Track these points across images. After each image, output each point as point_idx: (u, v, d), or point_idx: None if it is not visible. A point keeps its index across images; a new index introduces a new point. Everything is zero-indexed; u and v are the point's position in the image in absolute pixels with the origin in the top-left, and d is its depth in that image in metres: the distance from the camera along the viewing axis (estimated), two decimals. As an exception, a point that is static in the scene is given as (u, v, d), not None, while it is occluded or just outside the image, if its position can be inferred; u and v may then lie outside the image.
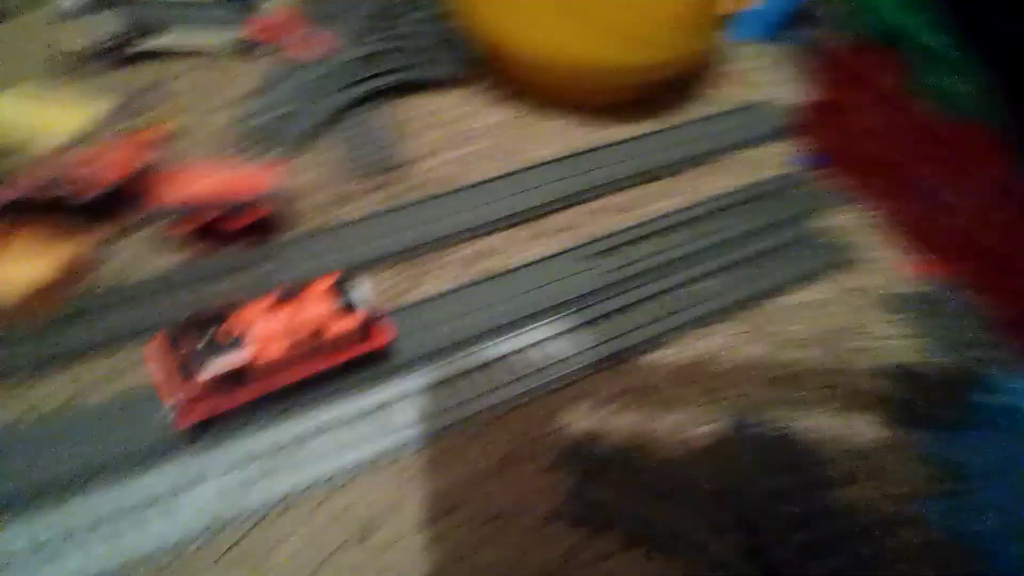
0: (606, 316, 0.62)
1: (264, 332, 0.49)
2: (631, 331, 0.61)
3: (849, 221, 0.74)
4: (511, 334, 0.60)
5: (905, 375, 0.58)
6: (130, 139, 0.71)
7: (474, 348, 0.58)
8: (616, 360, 0.59)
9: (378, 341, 0.55)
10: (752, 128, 0.83)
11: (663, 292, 0.64)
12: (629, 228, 0.70)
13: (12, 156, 0.64)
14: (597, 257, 0.67)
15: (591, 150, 0.78)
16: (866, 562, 0.47)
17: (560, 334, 0.60)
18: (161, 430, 0.51)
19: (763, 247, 0.69)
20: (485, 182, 0.73)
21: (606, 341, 0.60)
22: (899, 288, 0.67)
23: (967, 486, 0.50)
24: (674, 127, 0.83)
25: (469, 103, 0.84)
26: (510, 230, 0.70)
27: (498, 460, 0.53)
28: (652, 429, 0.55)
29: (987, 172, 0.61)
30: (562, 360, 0.58)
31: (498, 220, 0.69)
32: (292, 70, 0.80)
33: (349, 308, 0.52)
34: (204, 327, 0.48)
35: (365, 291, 0.52)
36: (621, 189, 0.75)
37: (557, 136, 0.81)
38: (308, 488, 0.50)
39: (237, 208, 0.62)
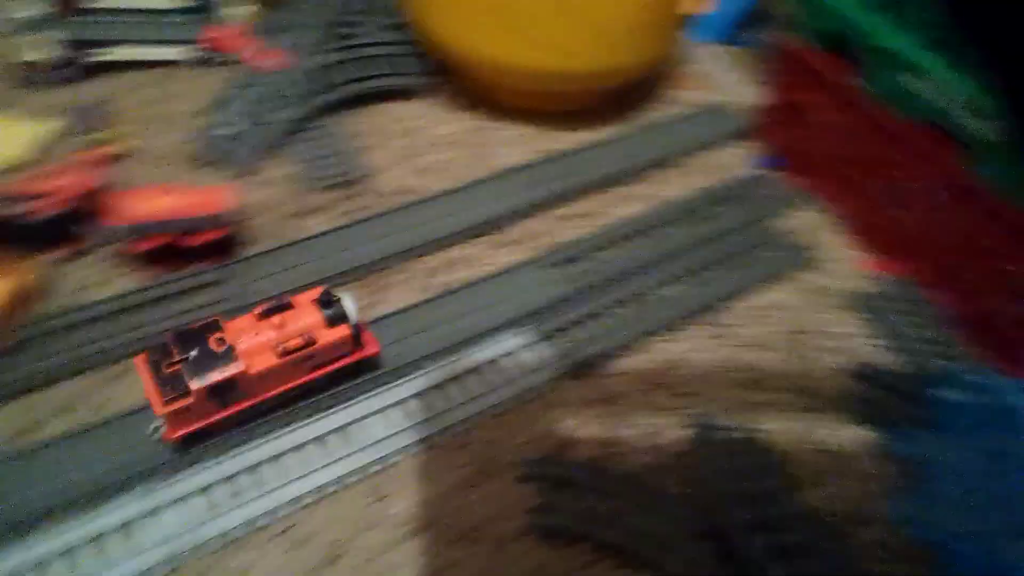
0: (575, 323, 0.62)
1: (254, 343, 0.50)
2: (600, 337, 0.61)
3: (809, 221, 0.75)
4: (478, 346, 0.59)
5: (866, 374, 0.59)
6: (82, 157, 0.69)
7: (442, 362, 0.58)
8: (585, 367, 0.59)
9: (371, 348, 0.55)
10: (713, 130, 0.84)
11: (630, 298, 0.64)
12: (594, 235, 0.70)
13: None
14: (563, 265, 0.67)
15: (554, 157, 0.78)
16: (833, 562, 0.48)
17: (528, 345, 0.60)
18: (124, 459, 0.50)
19: (727, 250, 0.69)
20: (448, 192, 0.72)
21: (574, 349, 0.60)
22: (859, 287, 0.68)
23: (929, 485, 0.51)
24: (636, 131, 0.83)
25: (430, 112, 0.84)
26: (475, 240, 0.70)
27: (469, 475, 0.52)
28: (621, 436, 0.55)
29: (941, 171, 0.62)
30: (532, 370, 0.58)
31: (462, 230, 0.69)
32: (250, 81, 0.79)
33: (336, 319, 0.52)
34: (194, 339, 0.49)
35: (349, 303, 0.53)
36: (585, 195, 0.76)
37: (519, 143, 0.81)
38: (274, 511, 0.49)
39: (194, 226, 0.61)
